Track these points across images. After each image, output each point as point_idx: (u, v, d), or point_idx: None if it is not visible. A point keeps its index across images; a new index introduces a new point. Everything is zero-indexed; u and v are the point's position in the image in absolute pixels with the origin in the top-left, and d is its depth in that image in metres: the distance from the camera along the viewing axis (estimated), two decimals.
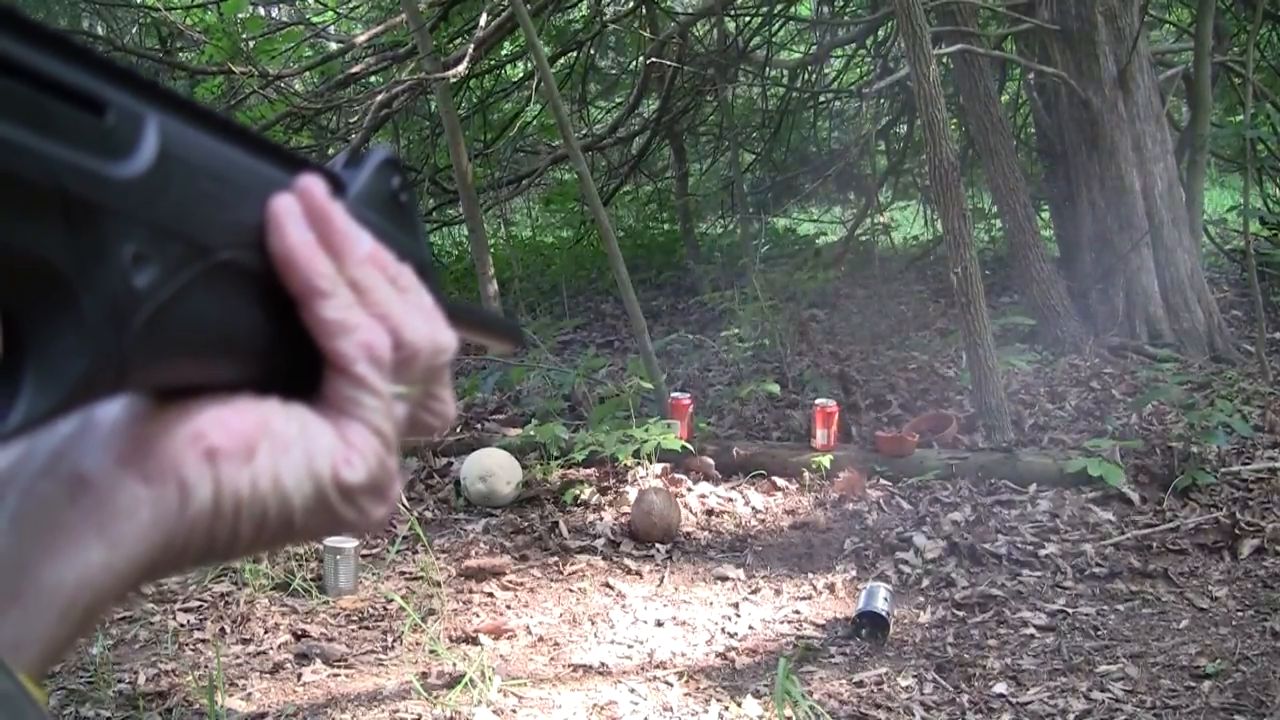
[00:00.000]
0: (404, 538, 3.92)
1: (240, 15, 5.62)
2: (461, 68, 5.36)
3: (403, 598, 3.50)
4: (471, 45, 5.76)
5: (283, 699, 2.99)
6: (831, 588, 3.61)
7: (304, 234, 0.41)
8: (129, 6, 7.42)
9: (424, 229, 0.52)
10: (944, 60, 5.28)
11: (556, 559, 3.87)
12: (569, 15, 8.17)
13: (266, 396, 0.41)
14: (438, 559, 3.82)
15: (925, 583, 3.59)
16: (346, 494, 0.42)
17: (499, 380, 5.27)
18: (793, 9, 8.07)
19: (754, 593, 3.62)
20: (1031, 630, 3.26)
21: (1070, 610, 3.35)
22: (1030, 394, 4.95)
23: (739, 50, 7.63)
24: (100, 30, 7.57)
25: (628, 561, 3.85)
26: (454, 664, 3.11)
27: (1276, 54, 7.56)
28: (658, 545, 3.94)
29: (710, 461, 4.42)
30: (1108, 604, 3.40)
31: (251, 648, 3.27)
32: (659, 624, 3.41)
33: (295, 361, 0.42)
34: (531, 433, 4.51)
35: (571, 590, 3.65)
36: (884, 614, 3.25)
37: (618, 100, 8.99)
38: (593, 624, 3.43)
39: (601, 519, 4.11)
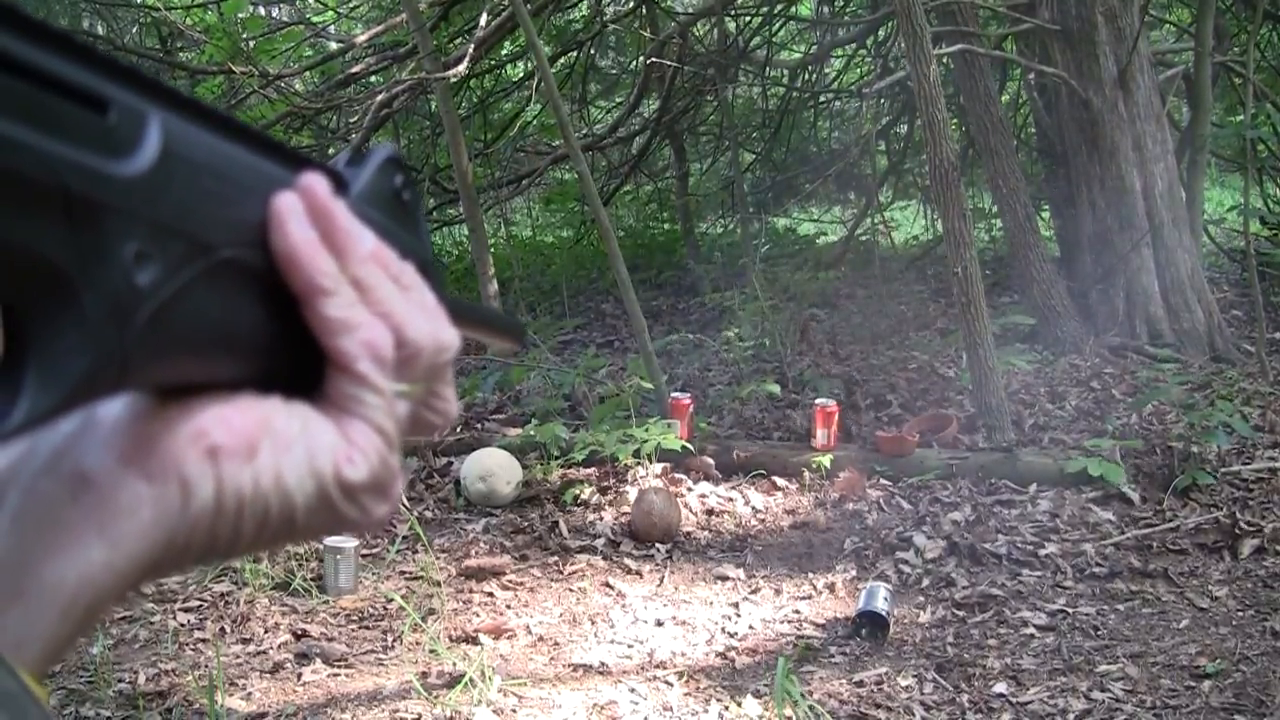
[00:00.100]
0: (404, 537, 3.92)
1: (240, 15, 5.61)
2: (462, 68, 5.36)
3: (403, 597, 3.50)
4: (472, 45, 5.76)
5: (283, 699, 2.99)
6: (831, 587, 3.61)
7: (306, 232, 0.41)
8: (129, 6, 7.41)
9: (426, 227, 0.52)
10: (944, 60, 5.28)
11: (556, 559, 3.87)
12: (569, 15, 8.17)
13: (268, 395, 0.41)
14: (438, 559, 3.82)
15: (925, 582, 3.59)
16: (349, 492, 0.42)
17: (499, 380, 5.27)
18: (793, 9, 8.06)
19: (754, 592, 3.62)
20: (1031, 630, 3.26)
21: (1070, 610, 3.35)
22: (1030, 394, 4.95)
23: (739, 50, 7.63)
24: (101, 30, 7.56)
25: (628, 561, 3.85)
26: (454, 664, 3.11)
27: (1276, 54, 7.56)
28: (658, 545, 3.94)
29: (710, 461, 4.42)
30: (1108, 604, 3.40)
31: (251, 647, 3.27)
32: (659, 624, 3.41)
33: (297, 359, 0.42)
34: (531, 432, 4.51)
35: (571, 590, 3.65)
36: (884, 614, 3.25)
37: (618, 100, 8.99)
38: (593, 624, 3.43)
39: (601, 519, 4.11)
